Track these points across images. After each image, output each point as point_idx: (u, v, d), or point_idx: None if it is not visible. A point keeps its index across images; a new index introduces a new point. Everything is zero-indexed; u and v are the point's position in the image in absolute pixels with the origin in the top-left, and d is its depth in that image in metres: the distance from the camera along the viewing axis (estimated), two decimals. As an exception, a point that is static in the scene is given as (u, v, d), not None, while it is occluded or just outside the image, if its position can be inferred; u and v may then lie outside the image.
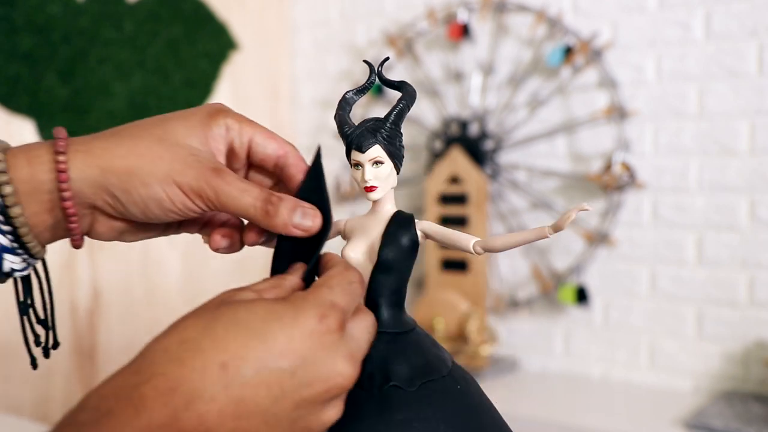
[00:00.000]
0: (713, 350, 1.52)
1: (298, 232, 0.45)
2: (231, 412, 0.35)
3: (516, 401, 1.49)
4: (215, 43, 1.86)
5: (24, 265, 0.45)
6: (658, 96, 1.56)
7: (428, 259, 1.71)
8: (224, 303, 0.39)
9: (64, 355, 1.55)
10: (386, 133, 0.47)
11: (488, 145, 1.72)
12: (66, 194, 0.43)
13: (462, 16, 1.75)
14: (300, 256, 0.45)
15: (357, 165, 0.47)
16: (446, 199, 1.68)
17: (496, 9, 1.73)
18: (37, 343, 0.49)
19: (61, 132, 0.44)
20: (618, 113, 1.58)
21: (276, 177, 0.51)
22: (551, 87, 1.67)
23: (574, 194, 1.66)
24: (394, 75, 1.85)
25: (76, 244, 0.46)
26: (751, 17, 1.47)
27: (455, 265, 1.67)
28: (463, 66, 1.79)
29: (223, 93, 1.88)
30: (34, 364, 0.49)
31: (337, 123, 0.48)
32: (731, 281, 1.50)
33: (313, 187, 0.46)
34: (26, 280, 0.47)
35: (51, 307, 0.49)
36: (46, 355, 0.49)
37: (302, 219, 0.45)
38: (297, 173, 0.49)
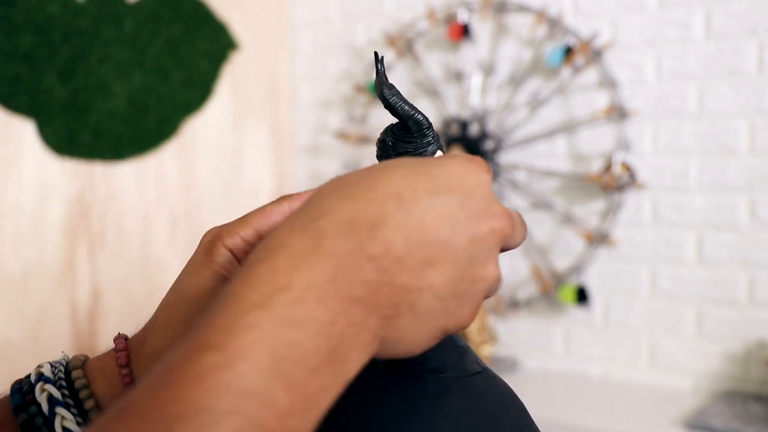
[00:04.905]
0: (713, 350, 1.52)
1: None
2: (416, 239, 0.33)
3: (516, 401, 1.49)
4: (215, 43, 1.86)
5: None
6: (658, 96, 1.56)
7: (428, 259, 1.71)
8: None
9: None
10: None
11: (488, 145, 1.72)
12: (124, 370, 0.44)
13: (462, 16, 1.75)
14: None
15: None
16: (446, 199, 1.68)
17: (496, 9, 1.73)
18: None
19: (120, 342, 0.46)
20: (618, 113, 1.58)
21: None
22: (551, 87, 1.67)
23: (574, 194, 1.66)
24: (394, 75, 1.85)
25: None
26: (751, 17, 1.47)
27: (455, 265, 1.67)
28: (463, 66, 1.79)
29: (223, 93, 1.88)
30: None
31: (421, 114, 0.43)
32: (731, 281, 1.50)
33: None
34: None
35: None
36: None
37: None
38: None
